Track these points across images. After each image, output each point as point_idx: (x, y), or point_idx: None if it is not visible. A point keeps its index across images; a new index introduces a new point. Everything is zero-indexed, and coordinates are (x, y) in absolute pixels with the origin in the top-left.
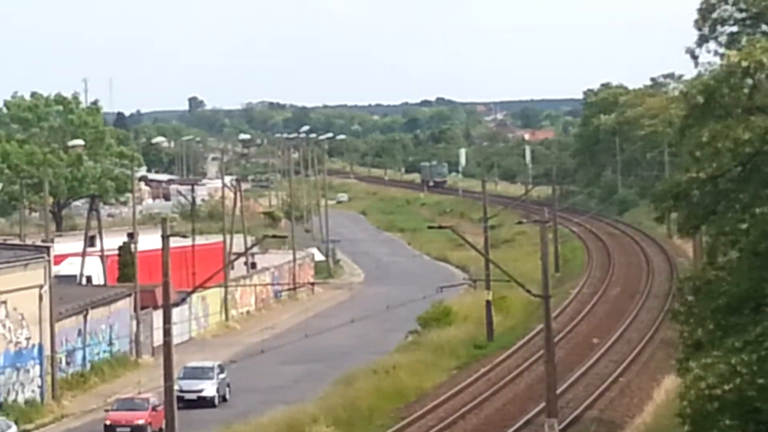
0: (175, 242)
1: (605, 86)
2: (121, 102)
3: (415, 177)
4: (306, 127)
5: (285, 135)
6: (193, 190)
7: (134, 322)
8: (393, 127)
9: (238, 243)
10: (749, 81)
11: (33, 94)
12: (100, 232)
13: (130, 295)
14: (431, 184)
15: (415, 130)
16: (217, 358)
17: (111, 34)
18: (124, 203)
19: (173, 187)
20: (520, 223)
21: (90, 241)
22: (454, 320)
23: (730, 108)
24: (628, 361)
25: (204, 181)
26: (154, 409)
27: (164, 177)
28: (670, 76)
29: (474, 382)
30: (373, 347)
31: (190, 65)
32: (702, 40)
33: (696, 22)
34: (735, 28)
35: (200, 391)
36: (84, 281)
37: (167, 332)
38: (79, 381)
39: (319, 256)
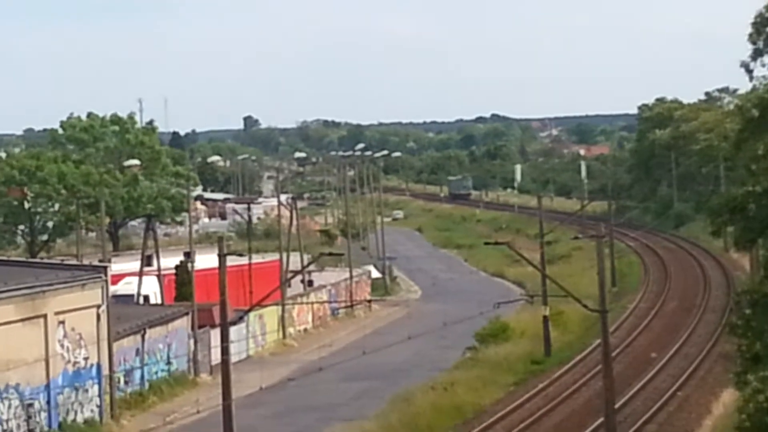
0: (231, 261)
1: (660, 101)
2: (176, 122)
3: (472, 193)
4: (361, 145)
5: (340, 153)
6: (249, 209)
7: (192, 341)
8: (448, 144)
9: (294, 261)
10: None
11: (89, 115)
12: (156, 252)
13: (187, 314)
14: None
15: (470, 147)
16: (275, 376)
17: (165, 54)
18: (181, 223)
19: (229, 206)
20: (576, 238)
21: (147, 261)
22: (512, 336)
23: None
24: (686, 376)
25: (260, 199)
26: None
27: (220, 196)
28: (725, 90)
29: (532, 398)
30: (431, 364)
31: (245, 84)
32: (756, 54)
33: (750, 35)
34: None
35: None
36: (141, 301)
37: (225, 351)
38: (138, 400)
39: (375, 274)
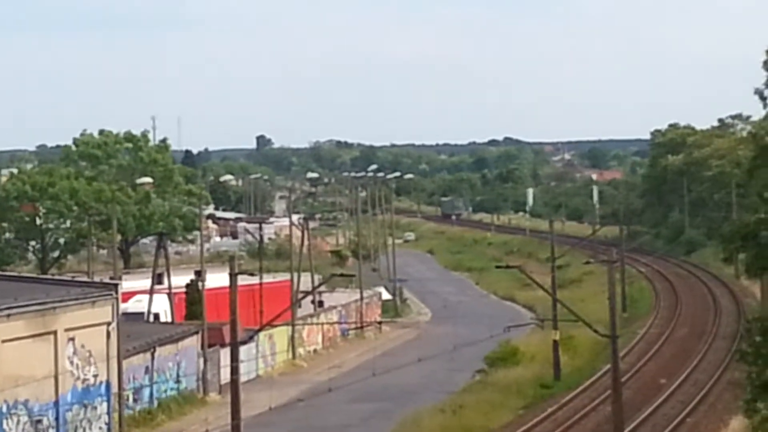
0: (242, 280)
1: (673, 127)
2: (189, 140)
3: (483, 216)
4: (373, 166)
5: (352, 174)
6: (260, 228)
7: (201, 360)
8: (460, 167)
9: (305, 281)
10: None
11: (102, 132)
12: (167, 270)
13: (197, 332)
14: (454, 217)
15: (482, 170)
16: (284, 396)
17: (179, 72)
18: (192, 241)
19: (241, 225)
20: (587, 263)
21: (158, 279)
22: (522, 360)
23: None
24: (695, 402)
25: (271, 219)
26: None
27: (232, 215)
28: (738, 116)
29: (541, 422)
30: (441, 386)
31: (258, 104)
32: None
33: (765, 63)
34: None
35: None
36: (151, 319)
37: (234, 370)
38: (146, 418)
39: (386, 295)
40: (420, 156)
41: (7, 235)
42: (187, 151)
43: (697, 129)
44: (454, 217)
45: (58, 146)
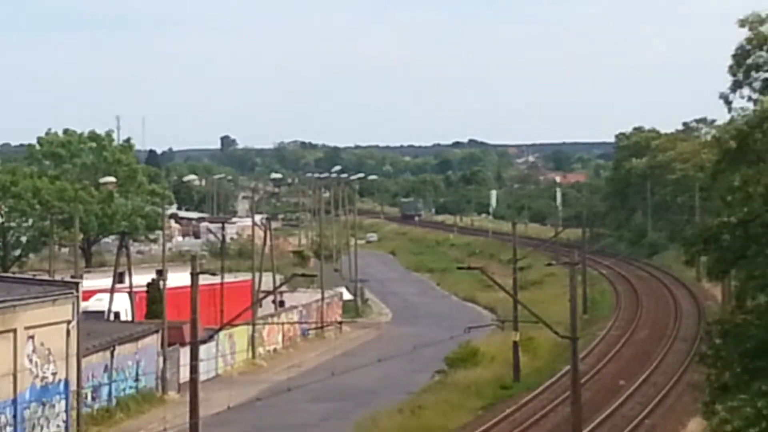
0: (203, 279)
1: (637, 130)
2: (153, 140)
3: (446, 218)
4: (337, 167)
5: (316, 175)
6: (223, 228)
7: (161, 359)
8: (424, 168)
9: (266, 281)
10: None
11: (66, 131)
12: (129, 269)
13: (157, 331)
14: (417, 218)
15: (446, 172)
16: (243, 396)
17: (144, 72)
18: (154, 240)
19: (203, 224)
20: (549, 265)
21: (119, 278)
22: (481, 361)
23: (763, 153)
24: (654, 404)
25: (234, 219)
26: None
27: (194, 215)
28: (703, 120)
29: (499, 422)
30: (400, 387)
31: (223, 104)
32: (736, 86)
33: (730, 67)
34: None
35: None
36: (112, 317)
37: (194, 369)
38: (105, 416)
39: (347, 296)
40: (384, 157)
41: None
42: (151, 151)
43: (662, 132)
44: (417, 218)
45: (22, 145)
